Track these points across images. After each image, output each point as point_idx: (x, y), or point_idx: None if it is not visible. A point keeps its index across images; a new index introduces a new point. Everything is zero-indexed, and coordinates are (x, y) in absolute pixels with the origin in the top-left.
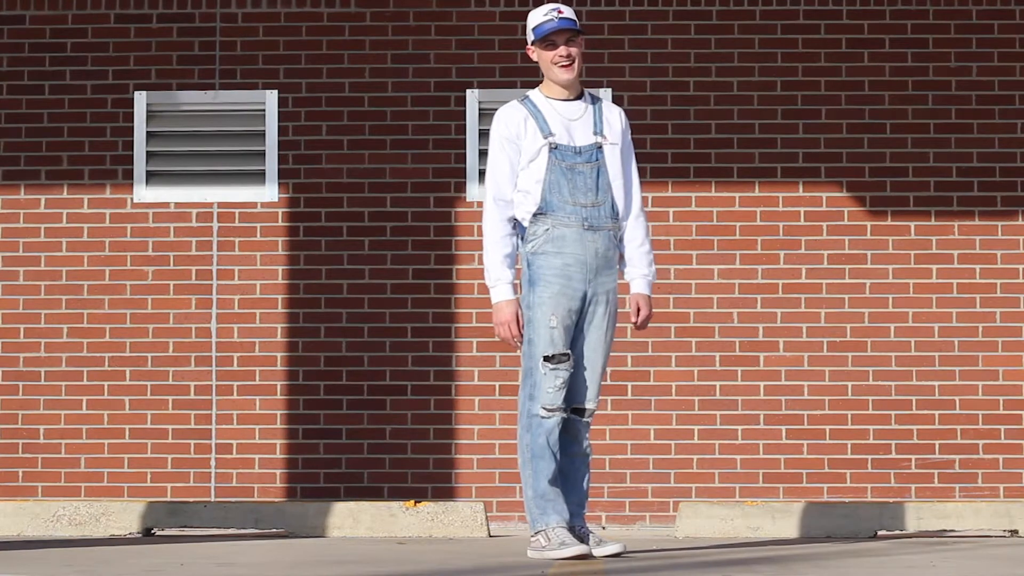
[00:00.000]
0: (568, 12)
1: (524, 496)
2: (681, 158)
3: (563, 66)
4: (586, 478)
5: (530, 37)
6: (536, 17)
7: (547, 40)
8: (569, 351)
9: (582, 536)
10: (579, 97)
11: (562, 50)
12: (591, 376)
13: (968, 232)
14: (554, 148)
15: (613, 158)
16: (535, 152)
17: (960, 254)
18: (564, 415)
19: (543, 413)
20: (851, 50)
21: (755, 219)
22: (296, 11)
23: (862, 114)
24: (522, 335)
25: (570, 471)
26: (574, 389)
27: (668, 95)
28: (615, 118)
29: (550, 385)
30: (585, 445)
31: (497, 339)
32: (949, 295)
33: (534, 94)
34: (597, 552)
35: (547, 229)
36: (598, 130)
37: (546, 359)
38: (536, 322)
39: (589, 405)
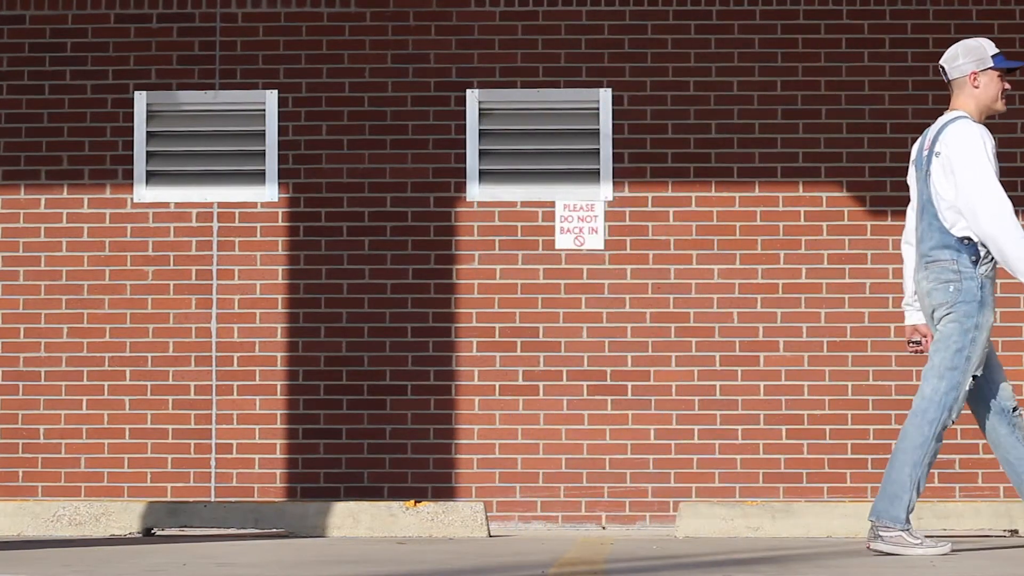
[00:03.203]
0: None
1: (900, 482)
2: (681, 158)
3: (1005, 100)
4: None
5: (985, 63)
6: (991, 47)
7: (1002, 71)
8: None
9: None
10: None
11: (1007, 84)
12: None
13: None
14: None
15: None
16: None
17: None
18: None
19: (949, 425)
20: (851, 50)
21: (755, 219)
22: (296, 11)
23: (862, 114)
24: None
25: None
26: (1007, 394)
27: (668, 95)
28: None
29: (964, 401)
30: None
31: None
32: None
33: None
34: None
35: (993, 258)
36: None
37: (974, 378)
38: (979, 343)
39: (1014, 402)
